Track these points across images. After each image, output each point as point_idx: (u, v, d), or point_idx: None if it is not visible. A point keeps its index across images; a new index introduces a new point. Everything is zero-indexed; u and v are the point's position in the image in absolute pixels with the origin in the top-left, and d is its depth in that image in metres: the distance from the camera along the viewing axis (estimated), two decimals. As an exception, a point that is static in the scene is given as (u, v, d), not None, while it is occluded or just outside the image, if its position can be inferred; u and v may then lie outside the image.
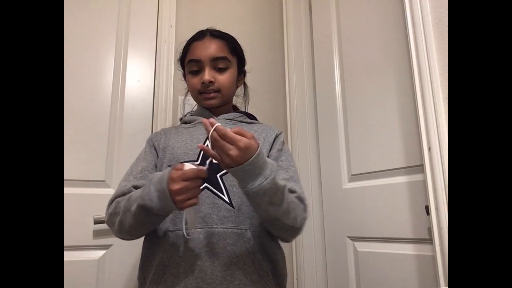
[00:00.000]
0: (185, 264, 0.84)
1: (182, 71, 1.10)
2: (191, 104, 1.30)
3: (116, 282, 1.27)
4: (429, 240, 1.06)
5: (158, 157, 0.99)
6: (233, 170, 0.72)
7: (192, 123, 1.04)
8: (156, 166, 0.98)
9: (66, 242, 1.19)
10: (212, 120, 0.70)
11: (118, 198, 0.88)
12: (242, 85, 1.15)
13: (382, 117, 1.30)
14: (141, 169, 0.95)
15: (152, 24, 1.52)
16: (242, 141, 0.69)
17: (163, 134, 1.04)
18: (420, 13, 1.09)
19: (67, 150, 1.27)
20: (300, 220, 0.87)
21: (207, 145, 0.73)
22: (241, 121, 1.06)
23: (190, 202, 0.74)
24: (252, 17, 1.74)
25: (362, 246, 1.35)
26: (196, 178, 0.73)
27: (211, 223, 0.87)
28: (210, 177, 0.86)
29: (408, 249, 1.17)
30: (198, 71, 1.01)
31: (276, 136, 1.01)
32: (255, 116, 1.12)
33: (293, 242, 1.57)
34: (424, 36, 1.07)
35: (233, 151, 0.69)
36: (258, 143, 0.72)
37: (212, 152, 0.72)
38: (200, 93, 1.01)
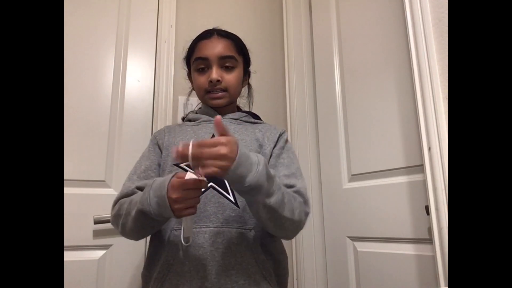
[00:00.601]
0: (190, 264, 0.85)
1: (187, 70, 1.10)
2: (191, 104, 1.30)
3: (116, 282, 1.27)
4: (429, 240, 1.06)
5: (162, 155, 0.99)
6: (232, 170, 0.69)
7: (197, 121, 1.04)
8: (159, 165, 0.98)
9: (66, 242, 1.19)
10: (184, 146, 0.67)
11: (121, 200, 0.89)
12: (247, 85, 1.15)
13: (382, 117, 1.30)
14: (145, 168, 0.96)
15: (152, 24, 1.52)
16: (220, 138, 0.69)
17: (167, 132, 1.03)
18: (420, 13, 1.09)
19: (67, 150, 1.27)
20: (299, 213, 0.85)
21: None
22: (246, 121, 1.05)
23: (187, 211, 0.74)
24: (252, 17, 1.74)
25: (362, 246, 1.34)
26: (196, 188, 0.73)
27: (216, 222, 0.87)
28: (215, 177, 0.82)
29: (408, 249, 1.17)
30: (205, 70, 1.01)
31: (280, 135, 1.01)
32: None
33: (293, 242, 1.57)
34: (424, 36, 1.07)
35: (223, 149, 0.68)
36: (232, 135, 0.72)
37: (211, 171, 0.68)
38: (207, 92, 1.00)
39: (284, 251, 0.98)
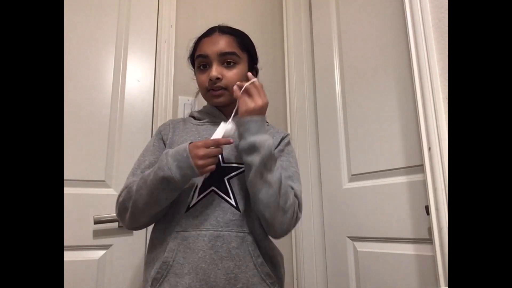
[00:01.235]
0: (189, 266, 0.85)
1: (193, 69, 1.08)
2: (190, 104, 1.30)
3: (116, 282, 1.27)
4: (429, 240, 1.06)
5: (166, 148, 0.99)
6: (253, 117, 0.87)
7: (201, 121, 1.03)
8: None
9: (66, 242, 1.19)
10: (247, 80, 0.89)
11: (128, 187, 0.91)
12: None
13: (382, 117, 1.30)
14: (149, 163, 0.95)
15: (152, 24, 1.52)
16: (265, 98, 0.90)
17: (171, 127, 1.02)
18: (420, 13, 1.09)
19: (67, 150, 1.27)
20: (291, 209, 0.87)
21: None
22: None
23: (210, 168, 0.83)
24: (252, 17, 1.74)
25: (362, 246, 1.34)
26: (217, 146, 0.84)
27: (216, 226, 0.88)
28: (217, 180, 0.90)
29: (408, 249, 1.17)
30: (206, 67, 0.99)
31: (282, 139, 1.02)
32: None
33: (293, 242, 1.57)
34: (424, 36, 1.07)
35: (261, 99, 0.89)
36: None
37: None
38: (208, 90, 0.99)
39: (280, 253, 1.00)
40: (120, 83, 1.42)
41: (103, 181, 1.32)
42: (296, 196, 0.91)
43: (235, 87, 0.91)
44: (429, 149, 1.02)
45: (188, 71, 1.13)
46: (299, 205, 0.92)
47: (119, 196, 0.93)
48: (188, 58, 1.10)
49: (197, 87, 1.08)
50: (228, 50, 0.98)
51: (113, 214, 1.27)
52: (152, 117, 1.44)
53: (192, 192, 0.90)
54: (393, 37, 1.28)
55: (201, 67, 1.00)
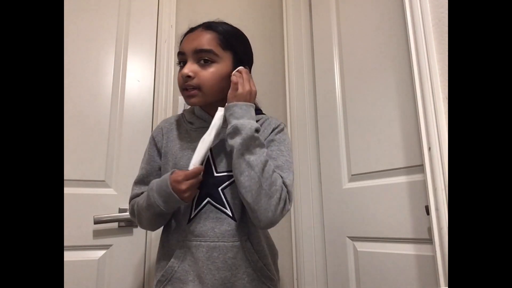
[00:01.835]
0: (194, 274, 0.88)
1: None
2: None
3: (116, 282, 1.27)
4: (429, 240, 1.06)
5: (161, 157, 0.99)
6: (238, 103, 0.88)
7: (193, 125, 0.99)
8: (160, 168, 1.00)
9: (66, 242, 1.19)
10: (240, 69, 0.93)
11: (132, 201, 0.99)
12: None
13: (382, 117, 1.30)
14: (146, 172, 1.01)
15: (152, 24, 1.52)
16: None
17: (164, 133, 1.01)
18: (420, 13, 1.09)
19: (67, 150, 1.27)
20: (277, 195, 0.83)
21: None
22: None
23: (193, 194, 0.88)
24: (252, 17, 1.74)
25: (362, 246, 1.34)
26: (197, 176, 0.86)
27: (213, 237, 0.89)
28: (212, 192, 0.92)
29: (408, 249, 1.17)
30: (184, 65, 0.93)
31: (274, 128, 0.97)
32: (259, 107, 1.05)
33: (293, 242, 1.57)
34: (424, 36, 1.07)
35: (248, 86, 0.91)
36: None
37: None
38: (182, 89, 0.93)
39: (277, 251, 1.03)
40: (120, 83, 1.42)
41: (103, 181, 1.32)
42: (284, 183, 0.86)
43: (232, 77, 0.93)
44: (429, 149, 1.02)
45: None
46: (288, 194, 0.87)
47: (128, 204, 1.01)
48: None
49: None
50: (204, 47, 0.91)
51: (113, 214, 1.27)
52: (152, 117, 1.44)
53: (191, 205, 0.92)
54: (393, 37, 1.28)
55: (181, 64, 0.95)
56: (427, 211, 1.04)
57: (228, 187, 0.91)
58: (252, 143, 0.84)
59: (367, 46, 1.39)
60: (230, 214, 0.90)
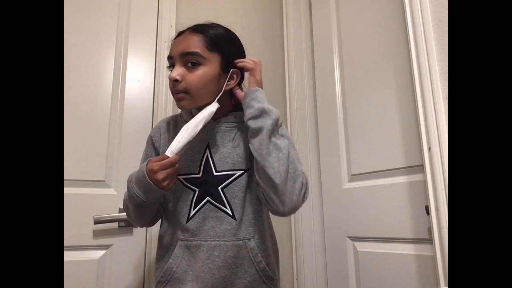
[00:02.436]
0: (192, 274, 0.88)
1: None
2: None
3: (116, 282, 1.27)
4: (429, 240, 1.06)
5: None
6: (261, 89, 0.93)
7: None
8: None
9: (66, 242, 1.19)
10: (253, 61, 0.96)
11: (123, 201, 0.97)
12: (237, 87, 0.98)
13: (382, 117, 1.30)
14: None
15: (152, 24, 1.52)
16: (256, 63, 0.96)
17: (162, 133, 1.00)
18: (420, 13, 1.09)
19: (67, 150, 1.27)
20: (300, 180, 0.83)
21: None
22: (243, 121, 0.96)
23: (174, 183, 0.86)
24: (252, 18, 1.74)
25: (362, 246, 1.34)
26: (173, 165, 0.83)
27: (213, 236, 0.88)
28: (212, 191, 0.91)
29: (408, 249, 1.17)
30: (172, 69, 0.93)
31: None
32: None
33: (293, 242, 1.57)
34: (424, 36, 1.07)
35: (258, 75, 0.95)
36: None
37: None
38: (172, 93, 0.92)
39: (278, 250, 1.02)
40: (120, 83, 1.42)
41: (103, 181, 1.32)
42: (302, 172, 0.86)
43: (248, 64, 0.95)
44: (429, 149, 1.02)
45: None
46: (307, 182, 0.86)
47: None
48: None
49: None
50: (190, 50, 0.89)
51: (113, 214, 1.27)
52: (152, 117, 1.44)
53: (190, 204, 0.91)
54: (393, 37, 1.28)
55: (171, 68, 0.94)
56: (427, 211, 1.04)
57: (228, 186, 0.91)
58: (277, 128, 0.87)
59: (367, 46, 1.39)
60: (230, 213, 0.90)
